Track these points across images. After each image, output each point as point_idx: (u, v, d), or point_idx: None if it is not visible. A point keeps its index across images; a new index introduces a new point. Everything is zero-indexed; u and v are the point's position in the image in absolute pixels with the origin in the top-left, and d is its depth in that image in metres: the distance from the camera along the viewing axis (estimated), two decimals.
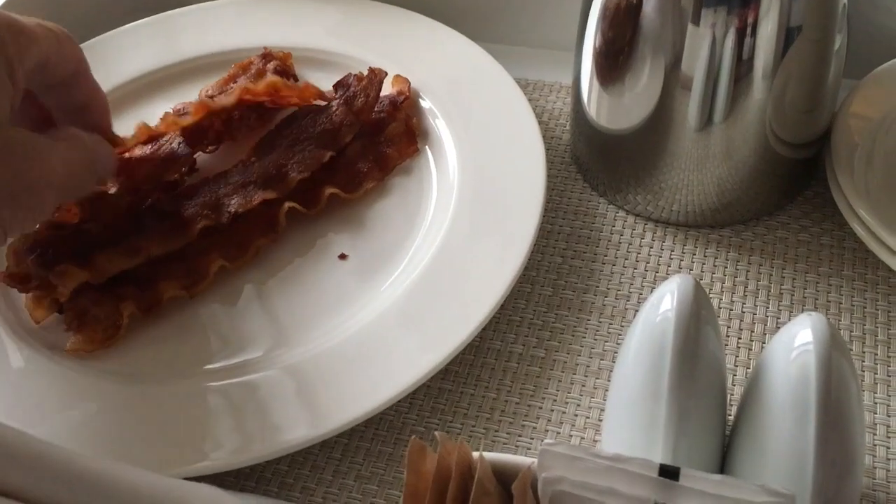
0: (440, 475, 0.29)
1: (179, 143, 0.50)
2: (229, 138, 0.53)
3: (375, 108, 0.53)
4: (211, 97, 0.53)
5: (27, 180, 0.38)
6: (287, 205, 0.48)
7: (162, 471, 0.36)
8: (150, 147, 0.50)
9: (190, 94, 0.56)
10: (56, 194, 0.39)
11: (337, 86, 0.54)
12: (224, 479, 0.39)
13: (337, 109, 0.52)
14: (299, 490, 0.40)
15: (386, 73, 0.54)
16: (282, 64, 0.56)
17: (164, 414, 0.41)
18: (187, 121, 0.50)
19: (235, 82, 0.55)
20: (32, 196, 0.38)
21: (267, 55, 0.56)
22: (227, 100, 0.50)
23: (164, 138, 0.51)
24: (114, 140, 0.46)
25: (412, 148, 0.52)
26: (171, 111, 0.52)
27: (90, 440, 0.40)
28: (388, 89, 0.54)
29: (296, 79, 0.56)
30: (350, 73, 0.54)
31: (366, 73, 0.54)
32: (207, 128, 0.52)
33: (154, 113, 0.55)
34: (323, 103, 0.53)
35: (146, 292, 0.45)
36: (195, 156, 0.52)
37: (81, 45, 0.58)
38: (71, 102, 0.44)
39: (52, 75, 0.41)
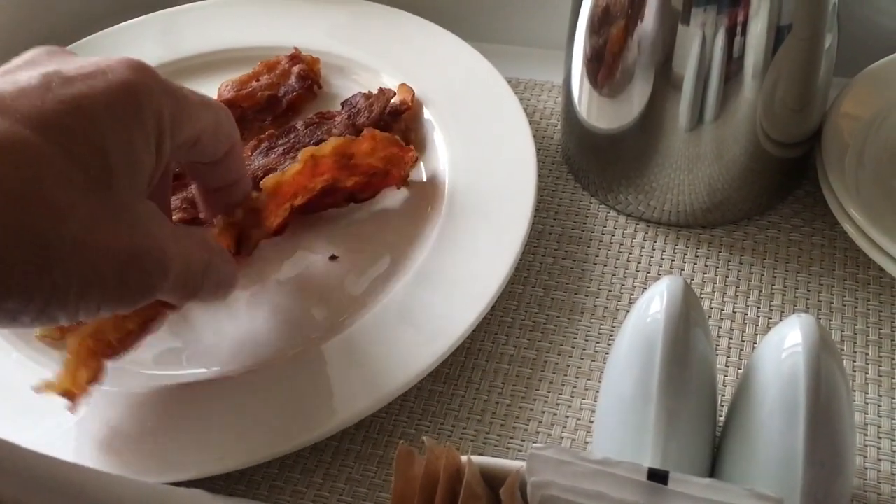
0: (428, 480, 0.29)
1: None
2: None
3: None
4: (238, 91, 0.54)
5: (142, 256, 0.33)
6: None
7: (150, 475, 0.36)
8: None
9: None
10: (163, 288, 0.35)
11: (344, 104, 0.53)
12: (214, 483, 0.39)
13: (339, 123, 0.52)
14: (289, 493, 0.40)
15: (395, 94, 0.53)
16: (308, 69, 0.56)
17: (152, 418, 0.41)
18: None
19: (258, 80, 0.55)
20: (137, 275, 0.33)
21: (295, 57, 0.56)
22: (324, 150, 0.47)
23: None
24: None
25: (409, 156, 0.51)
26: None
27: (78, 445, 0.39)
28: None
29: (320, 86, 0.56)
30: (359, 93, 0.53)
31: (361, 73, 0.54)
32: None
33: None
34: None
35: None
36: None
37: (79, 42, 0.59)
38: (215, 180, 0.42)
39: (203, 154, 0.39)
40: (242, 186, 0.43)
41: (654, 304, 0.33)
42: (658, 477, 0.27)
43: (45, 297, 0.30)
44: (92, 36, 0.60)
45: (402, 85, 0.54)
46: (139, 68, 0.34)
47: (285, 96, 0.55)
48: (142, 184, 0.34)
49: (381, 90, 0.53)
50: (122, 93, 0.33)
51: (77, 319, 0.32)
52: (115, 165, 0.32)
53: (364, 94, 0.53)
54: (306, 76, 0.55)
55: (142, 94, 0.34)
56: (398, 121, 0.52)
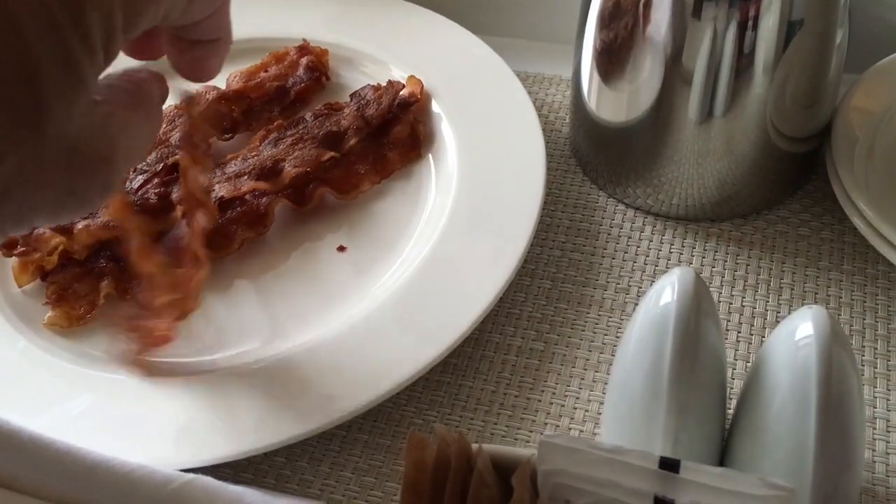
0: (439, 468, 0.29)
1: None
2: (246, 128, 0.53)
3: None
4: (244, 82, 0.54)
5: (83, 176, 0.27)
6: (278, 200, 0.48)
7: (158, 462, 0.36)
8: (164, 126, 0.51)
9: (188, 87, 0.55)
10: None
11: (353, 96, 0.53)
12: (221, 472, 0.39)
13: (348, 114, 0.52)
14: (297, 482, 0.40)
15: (403, 86, 0.53)
16: (317, 60, 0.56)
17: (160, 405, 0.41)
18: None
19: (267, 71, 0.55)
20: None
21: (303, 48, 0.56)
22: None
23: (180, 120, 0.51)
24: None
25: (414, 153, 0.51)
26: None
27: (88, 432, 0.39)
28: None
29: (328, 77, 0.56)
30: (368, 85, 0.53)
31: (370, 65, 0.54)
32: (225, 114, 0.52)
33: None
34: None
35: (126, 272, 0.45)
36: (210, 141, 0.52)
37: None
38: (196, 33, 0.33)
39: (177, 20, 0.30)
40: (221, 49, 0.35)
41: (665, 294, 0.33)
42: (670, 465, 0.27)
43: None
44: None
45: (411, 77, 0.54)
46: None
47: (293, 87, 0.55)
48: (91, 89, 0.27)
49: (391, 82, 0.53)
50: None
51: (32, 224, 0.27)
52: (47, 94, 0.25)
53: (373, 86, 0.53)
54: (315, 67, 0.55)
55: None
56: (407, 113, 0.52)
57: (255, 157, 0.50)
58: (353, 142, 0.50)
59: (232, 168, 0.49)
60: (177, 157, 0.49)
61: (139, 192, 0.48)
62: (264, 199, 0.48)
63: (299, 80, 0.55)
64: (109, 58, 0.27)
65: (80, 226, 0.46)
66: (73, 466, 0.31)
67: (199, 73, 0.35)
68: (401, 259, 0.46)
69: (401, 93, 0.53)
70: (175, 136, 0.51)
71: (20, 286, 0.46)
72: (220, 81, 0.55)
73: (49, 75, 0.24)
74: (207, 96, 0.53)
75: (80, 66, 0.25)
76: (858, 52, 0.49)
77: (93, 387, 0.42)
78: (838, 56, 0.45)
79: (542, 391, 0.42)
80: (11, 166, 0.25)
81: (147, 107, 0.31)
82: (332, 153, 0.50)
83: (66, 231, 0.45)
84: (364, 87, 0.53)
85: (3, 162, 0.24)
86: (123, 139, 0.29)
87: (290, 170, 0.49)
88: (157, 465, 0.34)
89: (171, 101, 0.51)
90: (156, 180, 0.48)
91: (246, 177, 0.48)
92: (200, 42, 0.34)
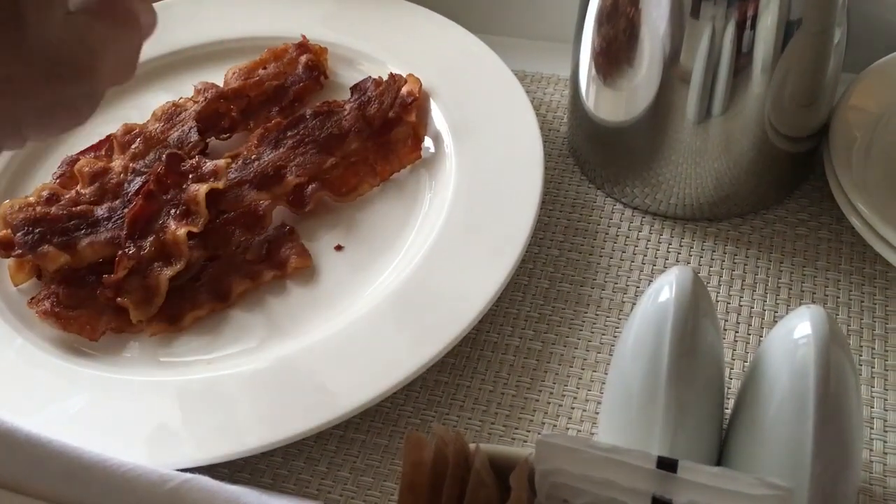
0: (437, 467, 0.29)
1: (191, 129, 0.50)
2: (244, 128, 0.53)
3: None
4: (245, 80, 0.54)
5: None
6: (277, 203, 0.48)
7: (156, 462, 0.36)
8: (162, 125, 0.51)
9: (186, 84, 0.55)
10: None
11: (354, 89, 0.53)
12: (218, 471, 0.39)
13: (349, 114, 0.51)
14: (293, 482, 0.40)
15: (405, 81, 0.53)
16: (315, 59, 0.55)
17: (157, 405, 0.41)
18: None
19: (265, 68, 0.55)
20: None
21: (302, 45, 0.56)
22: None
23: (178, 118, 0.51)
24: None
25: (414, 154, 0.51)
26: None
27: (84, 430, 0.39)
28: None
29: (326, 76, 0.56)
30: (369, 77, 0.53)
31: (368, 64, 0.53)
32: (224, 113, 0.52)
33: (149, 103, 0.54)
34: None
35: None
36: (207, 140, 0.52)
37: None
38: None
39: None
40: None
41: (663, 293, 0.33)
42: (667, 465, 0.27)
43: None
44: None
45: (410, 76, 0.54)
46: None
47: (292, 87, 0.54)
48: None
49: (392, 76, 0.53)
50: None
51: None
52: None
53: (375, 79, 0.53)
54: (314, 66, 0.55)
55: None
56: (408, 112, 0.52)
57: (256, 163, 0.49)
58: (354, 145, 0.50)
59: (233, 174, 0.49)
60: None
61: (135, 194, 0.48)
62: (263, 203, 0.48)
63: (298, 80, 0.55)
64: None
65: (83, 243, 0.45)
66: (69, 465, 0.31)
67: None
68: (398, 258, 0.46)
69: (401, 90, 0.53)
70: (173, 136, 0.51)
71: (16, 285, 0.46)
72: (218, 78, 0.55)
73: None
74: (206, 95, 0.52)
75: None
76: (856, 52, 0.49)
77: (89, 386, 0.42)
78: (836, 55, 0.45)
79: (540, 391, 0.42)
80: None
81: (127, 20, 0.32)
82: (334, 159, 0.50)
83: (71, 247, 0.45)
84: (365, 80, 0.53)
85: None
86: (104, 50, 0.30)
87: (292, 178, 0.48)
88: (153, 465, 0.34)
89: (170, 98, 0.51)
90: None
91: (248, 185, 0.48)
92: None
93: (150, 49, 0.56)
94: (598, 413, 0.41)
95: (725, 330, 0.44)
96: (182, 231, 0.45)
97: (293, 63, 0.55)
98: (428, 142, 0.52)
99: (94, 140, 0.52)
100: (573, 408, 0.41)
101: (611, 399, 0.35)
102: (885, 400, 0.40)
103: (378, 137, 0.51)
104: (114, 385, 0.41)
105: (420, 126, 0.52)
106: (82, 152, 0.52)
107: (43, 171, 0.52)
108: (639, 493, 0.27)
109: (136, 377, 0.42)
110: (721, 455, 0.34)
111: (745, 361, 0.42)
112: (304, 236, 0.48)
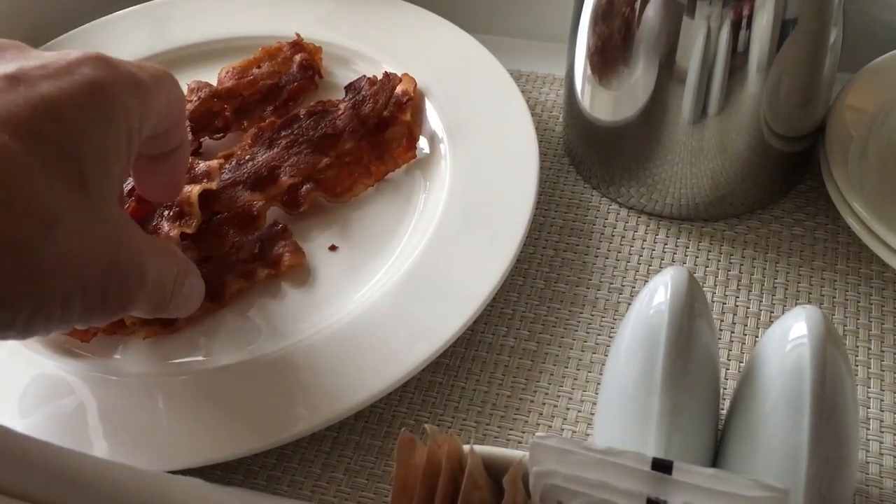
0: (430, 469, 0.29)
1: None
2: (238, 127, 0.53)
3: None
4: (238, 78, 0.54)
5: (122, 264, 0.33)
6: (271, 204, 0.48)
7: (148, 464, 0.35)
8: None
9: (182, 83, 0.55)
10: (139, 298, 0.34)
11: (348, 88, 0.53)
12: (211, 473, 0.39)
13: (343, 113, 0.51)
14: (287, 483, 0.40)
15: (400, 80, 0.53)
16: (310, 57, 0.55)
17: (149, 407, 0.40)
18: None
19: (259, 67, 0.55)
20: (117, 284, 0.33)
21: (296, 45, 0.55)
22: None
23: None
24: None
25: (409, 154, 0.50)
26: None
27: (75, 433, 0.39)
28: None
29: (321, 76, 0.56)
30: (364, 76, 0.53)
31: (362, 63, 0.53)
32: (217, 113, 0.52)
33: None
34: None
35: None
36: (201, 140, 0.51)
37: (69, 34, 0.58)
38: (161, 146, 0.38)
39: (158, 127, 0.36)
40: (182, 154, 0.40)
41: (658, 294, 0.33)
42: (662, 466, 0.26)
43: (33, 307, 0.29)
44: (86, 25, 0.59)
45: (405, 75, 0.53)
46: (104, 64, 0.33)
47: (286, 86, 0.54)
48: (114, 188, 0.33)
49: (387, 74, 0.53)
50: (92, 94, 0.31)
51: (53, 331, 0.31)
52: (90, 172, 0.31)
53: (369, 79, 0.53)
54: (308, 66, 0.55)
55: (110, 94, 0.32)
56: (403, 112, 0.51)
57: (250, 163, 0.49)
58: (348, 145, 0.50)
59: (226, 175, 0.49)
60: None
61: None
62: (257, 204, 0.48)
63: (292, 79, 0.54)
64: (130, 158, 0.34)
65: None
66: (61, 468, 0.31)
67: (171, 190, 0.42)
68: (393, 258, 0.46)
69: (395, 91, 0.52)
70: None
71: None
72: (212, 77, 0.54)
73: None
74: (200, 94, 0.52)
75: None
76: (853, 51, 0.49)
77: (82, 387, 0.41)
78: (832, 55, 0.45)
79: (535, 392, 0.42)
80: (62, 232, 0.29)
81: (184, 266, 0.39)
82: (328, 159, 0.49)
83: None
84: (360, 79, 0.53)
85: (58, 225, 0.29)
86: (155, 270, 0.35)
87: (285, 179, 0.48)
88: (146, 467, 0.34)
89: None
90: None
91: (241, 186, 0.48)
92: (164, 155, 0.39)
93: (144, 48, 0.57)
94: (593, 414, 0.41)
95: (721, 330, 0.43)
96: (175, 232, 0.45)
97: (287, 62, 0.55)
98: (423, 141, 0.52)
99: None
100: (568, 408, 0.41)
101: (605, 400, 0.35)
102: (882, 401, 0.40)
103: (372, 137, 0.51)
104: (106, 387, 0.41)
105: (415, 126, 0.52)
106: None
107: None
108: (634, 494, 0.27)
109: (128, 379, 0.42)
110: (716, 456, 0.34)
111: (741, 362, 0.42)
112: (298, 237, 0.48)
